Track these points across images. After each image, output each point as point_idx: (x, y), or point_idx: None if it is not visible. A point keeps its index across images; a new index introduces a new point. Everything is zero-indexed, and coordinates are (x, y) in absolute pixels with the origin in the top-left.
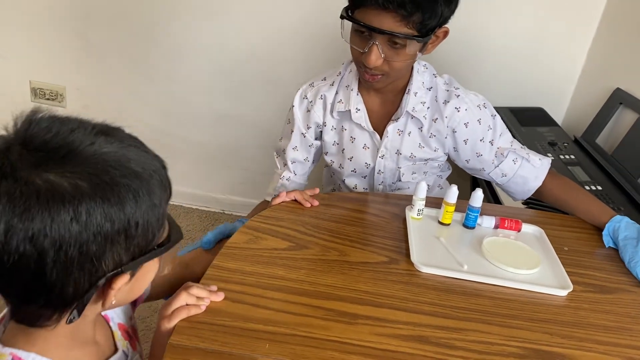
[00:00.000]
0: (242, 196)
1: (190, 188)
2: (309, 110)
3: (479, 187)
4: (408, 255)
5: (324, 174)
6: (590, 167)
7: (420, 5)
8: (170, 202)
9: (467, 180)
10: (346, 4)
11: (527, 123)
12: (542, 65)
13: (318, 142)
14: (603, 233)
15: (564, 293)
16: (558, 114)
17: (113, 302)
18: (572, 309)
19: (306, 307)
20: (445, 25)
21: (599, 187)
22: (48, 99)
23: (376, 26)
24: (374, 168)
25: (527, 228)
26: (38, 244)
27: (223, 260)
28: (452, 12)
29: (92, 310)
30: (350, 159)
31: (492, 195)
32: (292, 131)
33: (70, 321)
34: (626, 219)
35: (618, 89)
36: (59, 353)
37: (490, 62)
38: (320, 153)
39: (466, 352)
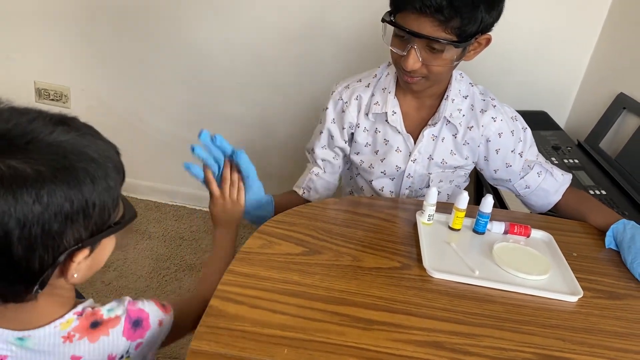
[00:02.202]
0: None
1: (194, 189)
2: (343, 111)
3: (489, 193)
4: (420, 260)
5: (344, 175)
6: (594, 171)
7: (458, 10)
8: (173, 203)
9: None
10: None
11: (530, 127)
12: (545, 69)
13: (347, 147)
14: (607, 233)
15: (574, 299)
16: (561, 118)
17: (75, 276)
18: (583, 315)
19: (322, 312)
20: (489, 33)
21: (603, 192)
22: (52, 100)
23: (415, 30)
24: (404, 171)
25: (536, 234)
26: (3, 224)
27: (238, 265)
28: (495, 19)
29: (57, 284)
30: (382, 160)
31: (498, 201)
32: (322, 131)
33: (36, 292)
34: (632, 222)
35: (621, 94)
36: None
37: (493, 66)
38: (347, 156)
39: (480, 357)
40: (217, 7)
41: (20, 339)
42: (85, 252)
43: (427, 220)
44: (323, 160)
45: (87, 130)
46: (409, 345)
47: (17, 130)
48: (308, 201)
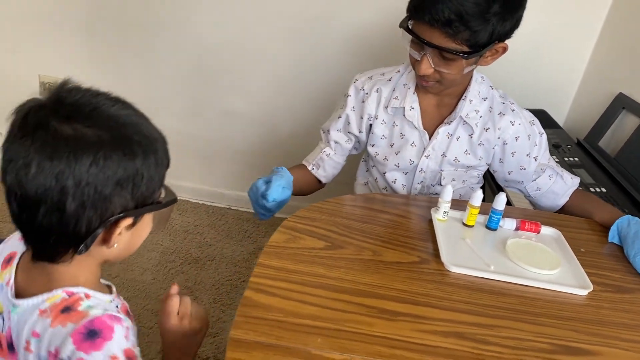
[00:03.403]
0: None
1: (197, 184)
2: (363, 101)
3: (502, 191)
4: (437, 255)
5: (360, 167)
6: (593, 169)
7: (467, 23)
8: (178, 198)
9: None
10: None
11: None
12: (544, 68)
13: (361, 136)
14: (611, 228)
15: (584, 292)
16: (559, 117)
17: (115, 246)
18: (593, 307)
19: (349, 304)
20: (506, 42)
21: (603, 189)
22: None
23: (426, 39)
24: (417, 166)
25: (545, 230)
26: (62, 181)
27: (267, 258)
28: (511, 28)
29: (97, 251)
30: (397, 153)
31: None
32: (340, 116)
33: (80, 252)
34: (637, 218)
35: (621, 94)
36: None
37: (494, 65)
38: (361, 144)
39: (500, 347)
40: (222, 4)
41: (14, 306)
42: (129, 221)
43: (442, 216)
44: (336, 142)
45: (142, 114)
46: (433, 335)
47: (84, 100)
48: (317, 178)
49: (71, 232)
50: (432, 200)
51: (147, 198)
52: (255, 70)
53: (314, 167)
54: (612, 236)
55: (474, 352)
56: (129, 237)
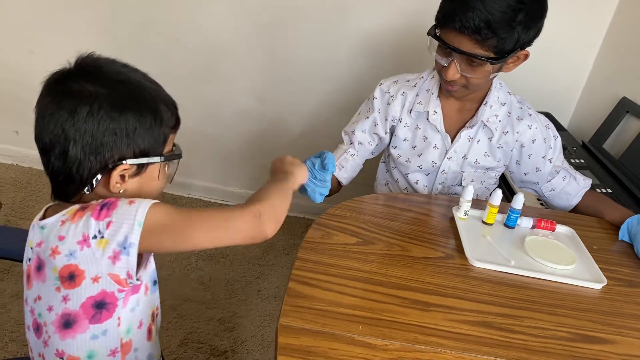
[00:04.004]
0: None
1: (209, 182)
2: (388, 104)
3: (520, 192)
4: (460, 251)
5: (380, 168)
6: (599, 171)
7: (495, 31)
8: (189, 195)
9: None
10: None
11: None
12: (549, 72)
13: (385, 137)
14: (621, 227)
15: (598, 286)
16: (564, 119)
17: (120, 191)
18: (607, 300)
19: (384, 295)
20: (527, 49)
21: (609, 190)
22: None
23: (455, 46)
24: (439, 167)
25: (560, 228)
26: (65, 129)
27: (305, 253)
28: (533, 36)
29: (104, 194)
30: (419, 155)
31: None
32: (367, 117)
33: (88, 190)
34: None
35: (624, 98)
36: None
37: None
38: (379, 147)
39: (525, 335)
40: (234, 5)
41: (42, 227)
42: (126, 167)
43: (462, 215)
44: (360, 143)
45: (150, 78)
46: (463, 324)
47: (98, 63)
48: (337, 180)
49: (75, 174)
50: (452, 200)
51: (148, 151)
52: (268, 70)
53: (337, 168)
54: (623, 234)
55: (502, 339)
56: (136, 185)
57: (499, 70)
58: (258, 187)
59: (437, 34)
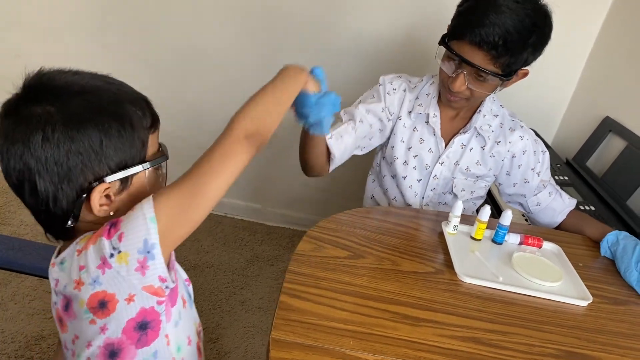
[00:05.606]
0: (244, 200)
1: None
2: (389, 94)
3: (508, 208)
4: (449, 266)
5: (368, 181)
6: (582, 188)
7: (510, 50)
8: None
9: None
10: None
11: None
12: (534, 88)
13: (387, 126)
14: (601, 243)
15: (584, 303)
16: (548, 136)
17: (107, 210)
18: (593, 317)
19: (375, 310)
20: (526, 67)
21: (592, 207)
22: None
23: (468, 59)
24: (431, 172)
25: (546, 245)
26: (26, 162)
27: (297, 266)
28: (536, 58)
29: (90, 217)
30: (415, 156)
31: (498, 214)
32: (372, 100)
33: (70, 225)
34: (625, 233)
35: (607, 117)
36: None
37: None
38: (377, 141)
39: (513, 352)
40: (227, 14)
41: (62, 262)
42: (106, 185)
43: (452, 230)
44: (360, 120)
45: (108, 79)
46: (453, 340)
47: (44, 79)
48: (327, 157)
49: (54, 208)
50: (441, 214)
51: (126, 162)
52: (255, 77)
53: (334, 138)
54: (604, 251)
55: (491, 355)
56: (127, 201)
57: (502, 86)
58: (242, 196)
59: (449, 44)
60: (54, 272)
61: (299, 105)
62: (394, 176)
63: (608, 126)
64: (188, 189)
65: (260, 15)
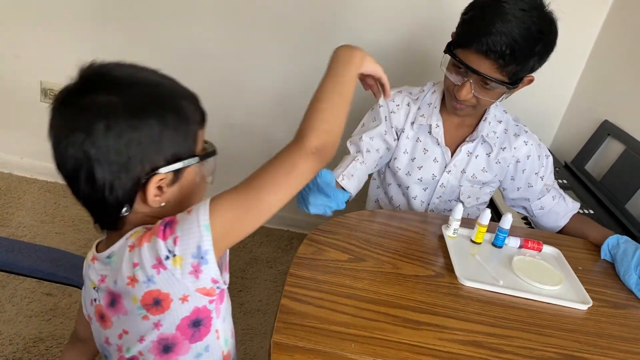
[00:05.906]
0: None
1: None
2: (393, 112)
3: (508, 212)
4: (449, 269)
5: (371, 185)
6: (581, 192)
7: (517, 58)
8: None
9: None
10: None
11: None
12: (533, 92)
13: (394, 145)
14: (602, 247)
15: (584, 307)
16: (546, 140)
17: (161, 203)
18: (593, 321)
19: (376, 313)
20: (532, 74)
21: (591, 211)
22: None
23: (474, 68)
24: (438, 181)
25: (546, 249)
26: (86, 150)
27: (298, 269)
28: (542, 65)
29: (142, 207)
30: (420, 168)
31: (498, 218)
32: (374, 126)
33: (124, 214)
34: (625, 237)
35: (606, 121)
36: None
37: None
38: (386, 159)
39: (514, 355)
40: (229, 19)
41: (108, 257)
42: (161, 176)
43: (452, 233)
44: (368, 151)
45: (163, 74)
46: (453, 343)
47: (103, 71)
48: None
49: (109, 197)
50: (441, 218)
51: (180, 154)
52: (255, 82)
53: (345, 178)
54: (605, 254)
55: (491, 359)
56: (177, 193)
57: (507, 94)
58: None
59: (454, 53)
60: (96, 267)
61: (308, 192)
62: (400, 185)
63: (606, 130)
64: (247, 200)
65: (260, 20)
